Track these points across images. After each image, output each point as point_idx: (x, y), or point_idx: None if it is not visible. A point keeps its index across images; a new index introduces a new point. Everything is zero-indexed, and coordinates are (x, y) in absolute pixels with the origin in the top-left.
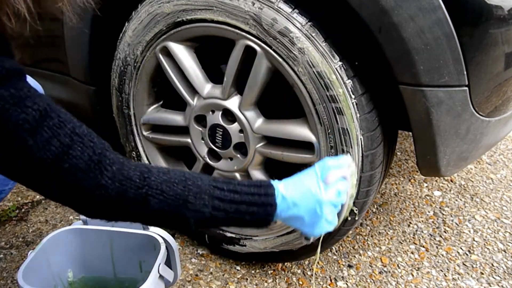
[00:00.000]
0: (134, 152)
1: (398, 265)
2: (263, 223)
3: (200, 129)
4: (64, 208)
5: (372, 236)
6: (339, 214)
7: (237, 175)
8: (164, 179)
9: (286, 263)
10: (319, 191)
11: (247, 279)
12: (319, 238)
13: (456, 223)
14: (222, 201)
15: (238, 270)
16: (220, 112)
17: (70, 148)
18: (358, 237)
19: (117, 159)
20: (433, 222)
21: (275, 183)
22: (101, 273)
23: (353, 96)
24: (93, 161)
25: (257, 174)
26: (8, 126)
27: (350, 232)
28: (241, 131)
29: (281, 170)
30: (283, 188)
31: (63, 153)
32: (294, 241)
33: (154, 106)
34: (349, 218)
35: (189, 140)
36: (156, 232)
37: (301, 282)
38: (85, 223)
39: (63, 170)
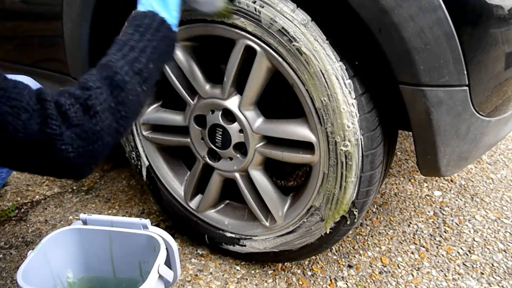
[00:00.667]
0: (133, 152)
1: (398, 265)
2: (170, 39)
3: (200, 129)
4: (64, 208)
5: (372, 236)
6: None
7: (237, 175)
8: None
9: (286, 263)
10: None
11: (247, 279)
12: None
13: (456, 223)
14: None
15: (238, 270)
16: (220, 112)
17: (6, 92)
18: (358, 237)
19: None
20: (433, 222)
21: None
22: (100, 273)
23: (353, 96)
24: (32, 100)
25: (257, 174)
26: None
27: (350, 232)
28: (241, 131)
29: (281, 170)
30: None
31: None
32: (294, 241)
33: (154, 106)
34: (348, 220)
35: (188, 140)
36: (156, 232)
37: (301, 282)
38: (84, 223)
39: (4, 113)
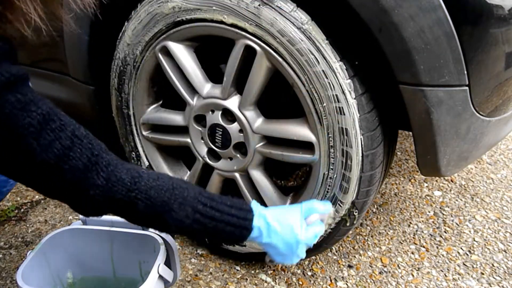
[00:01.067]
0: (133, 152)
1: (398, 265)
2: (237, 241)
3: (200, 129)
4: (64, 208)
5: (372, 236)
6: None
7: (237, 175)
8: (153, 185)
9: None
10: (299, 231)
11: (246, 279)
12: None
13: (456, 223)
14: (203, 216)
15: (237, 270)
16: (220, 112)
17: (70, 150)
18: (358, 237)
19: (112, 160)
20: (433, 222)
21: (258, 208)
22: (100, 273)
23: (353, 96)
24: (91, 162)
25: (257, 174)
26: (15, 130)
27: (350, 232)
28: (240, 131)
29: (281, 169)
30: (269, 216)
31: (63, 154)
32: None
33: (154, 106)
34: (348, 223)
35: (188, 140)
36: (155, 232)
37: (301, 283)
38: (84, 223)
39: (63, 170)
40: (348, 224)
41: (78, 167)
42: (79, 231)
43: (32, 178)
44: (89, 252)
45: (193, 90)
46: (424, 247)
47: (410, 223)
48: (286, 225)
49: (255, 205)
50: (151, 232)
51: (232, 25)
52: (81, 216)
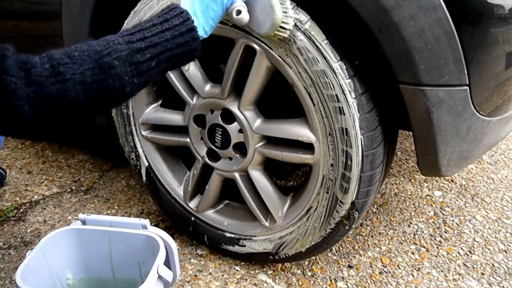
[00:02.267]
0: (133, 152)
1: (398, 266)
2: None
3: (199, 128)
4: (63, 208)
5: (372, 236)
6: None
7: (237, 175)
8: (75, 59)
9: (285, 264)
10: None
11: (246, 279)
12: None
13: (456, 223)
14: (144, 49)
15: (237, 270)
16: (220, 112)
17: None
18: (358, 237)
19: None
20: (433, 222)
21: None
22: (100, 273)
23: (353, 96)
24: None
25: (257, 174)
26: None
27: (350, 232)
28: (240, 130)
29: (281, 169)
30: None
31: None
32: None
33: (153, 105)
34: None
35: (188, 140)
36: (155, 232)
37: (301, 283)
38: (83, 223)
39: None
40: (348, 224)
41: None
42: (78, 231)
43: None
44: (89, 252)
45: (192, 90)
46: (424, 247)
47: (410, 223)
48: None
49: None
50: (150, 232)
51: (232, 24)
52: (80, 216)
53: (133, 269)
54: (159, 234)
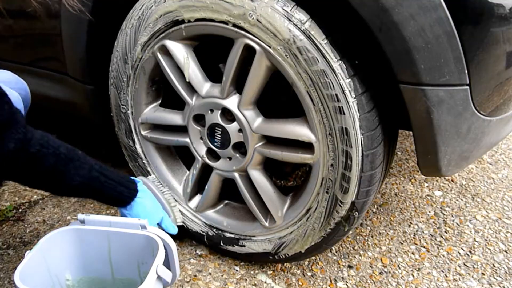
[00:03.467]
0: (132, 152)
1: (398, 266)
2: (123, 199)
3: (199, 128)
4: (62, 208)
5: (372, 237)
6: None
7: (236, 174)
8: (61, 143)
9: (285, 264)
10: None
11: (246, 279)
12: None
13: (457, 223)
14: (99, 173)
15: (237, 270)
16: (219, 112)
17: None
18: (358, 237)
19: (25, 123)
20: (434, 222)
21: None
22: (99, 274)
23: (353, 95)
24: (12, 118)
25: (257, 174)
26: None
27: (350, 232)
28: (240, 130)
29: (281, 169)
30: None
31: None
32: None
33: (153, 105)
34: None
35: (187, 140)
36: (154, 232)
37: (300, 283)
38: (82, 223)
39: None
40: (348, 224)
41: (3, 121)
42: (77, 231)
43: None
44: (88, 252)
45: (192, 90)
46: (424, 247)
47: (411, 223)
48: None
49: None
50: (150, 232)
51: (231, 23)
52: (79, 216)
53: (133, 270)
54: (158, 234)
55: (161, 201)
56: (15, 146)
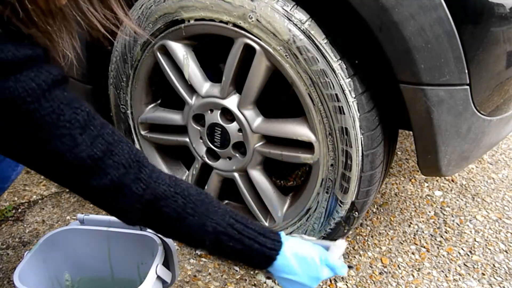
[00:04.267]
0: None
1: (398, 266)
2: (261, 265)
3: (199, 128)
4: (61, 208)
5: (372, 237)
6: None
7: (236, 174)
8: (190, 185)
9: None
10: (320, 273)
11: (246, 279)
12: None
13: (457, 223)
14: (235, 230)
15: (236, 271)
16: (219, 111)
17: (113, 146)
18: (358, 237)
19: (148, 161)
20: (434, 222)
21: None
22: (98, 274)
23: (353, 95)
24: (132, 159)
25: (256, 174)
26: (62, 123)
27: (350, 232)
28: (240, 130)
29: (281, 169)
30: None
31: (107, 150)
32: None
33: (152, 105)
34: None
35: (187, 140)
36: (153, 232)
37: None
38: (82, 223)
39: (107, 166)
40: (347, 224)
41: (122, 162)
42: (76, 231)
43: (75, 175)
44: (87, 252)
45: (191, 89)
46: (424, 247)
47: (411, 223)
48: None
49: (283, 237)
50: (149, 232)
51: (231, 23)
52: (78, 216)
53: (132, 270)
54: (158, 235)
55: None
56: (139, 187)
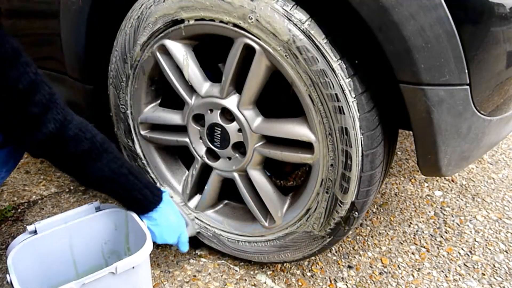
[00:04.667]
0: (131, 152)
1: (398, 266)
2: (144, 206)
3: (198, 128)
4: (61, 208)
5: (372, 237)
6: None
7: (236, 174)
8: (98, 132)
9: (285, 264)
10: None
11: (245, 280)
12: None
13: (457, 224)
14: (129, 171)
15: (236, 271)
16: (219, 111)
17: (37, 85)
18: (358, 237)
19: (64, 105)
20: (434, 222)
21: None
22: (63, 277)
23: (353, 95)
24: (51, 100)
25: (256, 174)
26: None
27: (350, 232)
28: (239, 130)
29: (280, 169)
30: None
31: (33, 87)
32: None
33: (152, 105)
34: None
35: (187, 140)
36: (109, 208)
37: (300, 283)
38: (34, 233)
39: (30, 102)
40: (347, 225)
41: (42, 102)
42: (32, 243)
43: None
44: (51, 259)
45: (191, 89)
46: (424, 247)
47: (411, 223)
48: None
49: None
50: (107, 208)
51: (231, 23)
52: (29, 228)
53: (97, 254)
54: (114, 209)
55: (182, 213)
56: (54, 127)
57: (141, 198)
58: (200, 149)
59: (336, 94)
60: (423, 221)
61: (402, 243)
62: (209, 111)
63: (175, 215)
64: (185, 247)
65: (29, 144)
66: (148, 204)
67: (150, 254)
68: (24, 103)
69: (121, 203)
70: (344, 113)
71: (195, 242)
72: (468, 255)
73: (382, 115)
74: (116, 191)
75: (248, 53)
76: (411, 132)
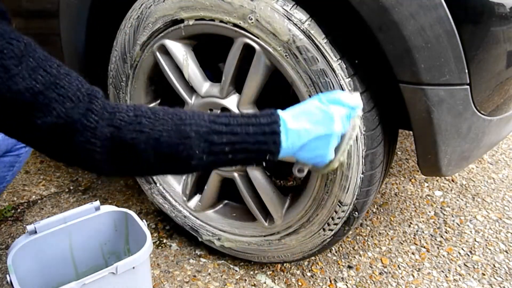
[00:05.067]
0: None
1: (398, 266)
2: (270, 153)
3: None
4: (61, 208)
5: (372, 237)
6: (336, 150)
7: (236, 174)
8: (155, 110)
9: (285, 264)
10: (325, 107)
11: (245, 280)
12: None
13: (457, 224)
14: (222, 131)
15: (236, 271)
16: (219, 111)
17: (57, 79)
18: (358, 237)
19: (103, 95)
20: (434, 222)
21: (279, 112)
22: (63, 277)
23: None
24: (82, 92)
25: (256, 174)
26: None
27: (350, 232)
28: None
29: (280, 169)
30: (289, 119)
31: (50, 82)
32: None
33: (152, 105)
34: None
35: None
36: (109, 210)
37: (300, 283)
38: (34, 233)
39: (51, 99)
40: (347, 225)
41: (68, 96)
42: (34, 242)
43: (13, 115)
44: (51, 259)
45: (191, 89)
46: (424, 247)
47: (411, 223)
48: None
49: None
50: (106, 209)
51: (231, 23)
52: (29, 228)
53: (96, 254)
54: (114, 209)
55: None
56: (108, 130)
57: (255, 128)
58: None
59: None
60: (423, 221)
61: (402, 243)
62: (209, 111)
63: (300, 106)
64: (351, 100)
65: (81, 157)
66: (268, 127)
67: (150, 254)
68: (41, 107)
69: (239, 156)
70: None
71: (195, 242)
72: (468, 255)
73: (382, 115)
74: (220, 143)
75: (248, 53)
76: (411, 132)
